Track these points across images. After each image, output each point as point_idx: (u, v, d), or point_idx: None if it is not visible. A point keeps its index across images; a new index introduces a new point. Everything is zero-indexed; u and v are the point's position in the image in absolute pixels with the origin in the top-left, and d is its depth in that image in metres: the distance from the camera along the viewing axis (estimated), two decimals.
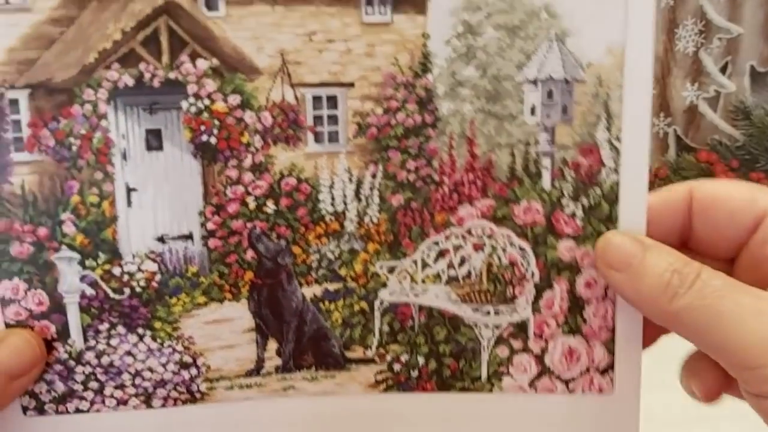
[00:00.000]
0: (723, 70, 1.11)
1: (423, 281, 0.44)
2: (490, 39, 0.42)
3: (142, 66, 0.40)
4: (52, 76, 0.40)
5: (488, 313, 0.44)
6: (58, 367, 0.43)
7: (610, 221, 0.43)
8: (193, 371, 0.43)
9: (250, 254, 0.43)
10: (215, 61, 0.40)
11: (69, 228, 0.41)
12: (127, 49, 0.40)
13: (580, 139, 0.43)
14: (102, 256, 0.42)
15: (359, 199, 0.43)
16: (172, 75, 0.40)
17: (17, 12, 0.39)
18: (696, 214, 0.43)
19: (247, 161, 0.42)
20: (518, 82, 0.42)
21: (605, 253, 0.42)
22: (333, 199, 0.43)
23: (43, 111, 0.40)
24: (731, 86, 1.11)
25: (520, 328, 0.45)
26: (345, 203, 0.43)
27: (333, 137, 0.42)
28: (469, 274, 0.44)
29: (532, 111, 0.43)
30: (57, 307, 0.42)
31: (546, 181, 0.44)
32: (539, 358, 0.45)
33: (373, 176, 0.43)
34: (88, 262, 0.42)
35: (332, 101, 0.42)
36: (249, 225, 0.43)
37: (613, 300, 0.44)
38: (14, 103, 0.40)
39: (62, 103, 0.40)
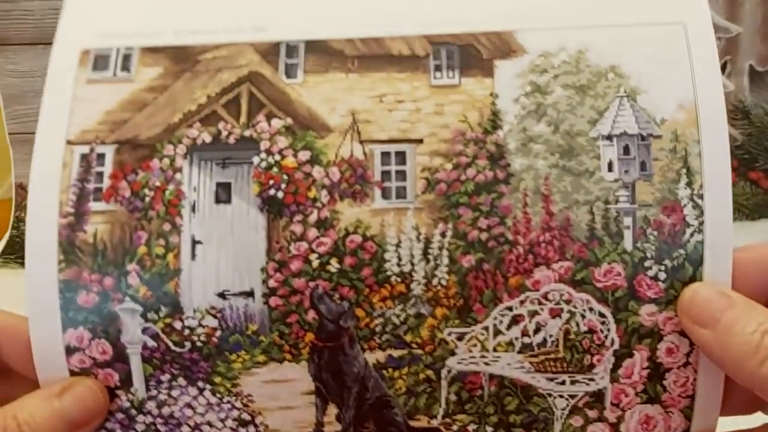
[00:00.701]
0: (722, 69, 1.09)
1: (495, 349, 0.40)
2: (560, 97, 0.42)
3: (220, 125, 0.42)
4: (139, 133, 0.42)
5: (564, 382, 0.40)
6: (120, 416, 0.41)
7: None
8: (251, 429, 0.41)
9: (311, 315, 0.41)
10: (289, 121, 0.42)
11: (133, 279, 0.41)
12: (210, 110, 0.42)
13: (662, 197, 0.41)
14: (163, 310, 0.41)
15: (427, 260, 0.41)
16: (247, 132, 0.42)
17: (121, 82, 0.43)
18: None
19: (313, 216, 0.42)
20: (592, 137, 0.41)
21: (691, 307, 0.39)
22: (399, 258, 0.41)
23: (125, 164, 0.42)
24: (730, 86, 1.06)
25: (597, 398, 0.40)
26: (412, 263, 0.41)
27: (401, 193, 0.42)
28: (544, 342, 0.40)
29: (610, 167, 0.41)
30: (120, 357, 0.41)
31: (628, 242, 0.41)
32: (614, 426, 0.40)
33: (443, 235, 0.41)
34: (150, 315, 0.41)
35: (400, 157, 0.42)
36: (311, 284, 0.41)
37: (695, 367, 0.40)
38: (101, 156, 0.42)
39: (143, 157, 0.42)
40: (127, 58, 0.43)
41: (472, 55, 0.42)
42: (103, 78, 0.43)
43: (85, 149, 0.42)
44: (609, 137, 0.41)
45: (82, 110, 0.42)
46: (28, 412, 0.39)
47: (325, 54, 0.42)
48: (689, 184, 0.40)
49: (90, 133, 0.42)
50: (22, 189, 1.20)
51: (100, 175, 0.42)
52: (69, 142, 0.42)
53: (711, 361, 0.39)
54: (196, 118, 0.42)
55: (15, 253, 1.13)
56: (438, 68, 0.42)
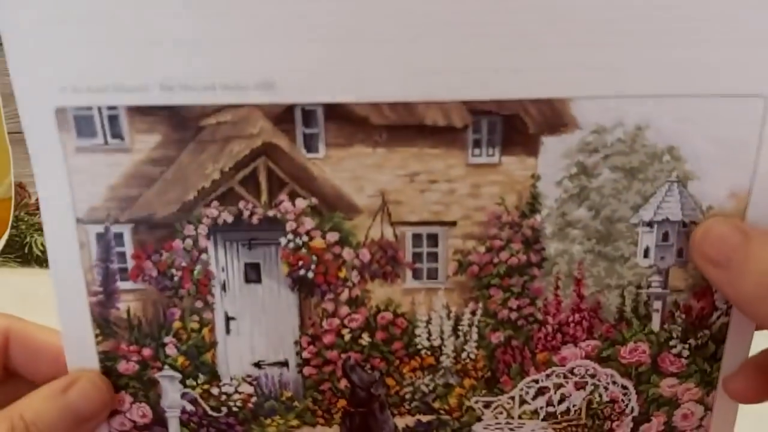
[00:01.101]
0: None
1: (520, 417, 0.43)
2: (606, 180, 0.39)
3: (241, 204, 0.40)
4: (154, 212, 0.40)
5: None
6: None
7: (714, 359, 0.42)
8: None
9: (343, 383, 0.43)
10: (314, 200, 0.39)
11: (171, 350, 0.42)
12: (226, 188, 0.39)
13: (694, 282, 0.40)
14: (201, 377, 0.43)
15: (457, 335, 0.42)
16: (270, 213, 0.40)
17: (117, 152, 0.39)
18: None
19: (344, 295, 0.41)
20: (632, 223, 0.40)
21: (703, 245, 0.38)
22: (430, 334, 0.42)
23: (145, 244, 0.40)
24: None
25: None
26: (442, 338, 0.42)
27: (432, 274, 0.41)
28: (567, 411, 0.43)
29: (646, 253, 0.40)
30: (159, 420, 0.43)
31: (655, 324, 0.41)
32: None
33: (473, 313, 0.41)
34: (188, 382, 0.43)
35: (432, 239, 0.40)
36: (344, 356, 0.42)
37: (707, 429, 0.43)
38: (119, 236, 0.40)
39: (164, 237, 0.40)
40: (114, 121, 0.38)
41: (516, 129, 0.38)
42: (94, 146, 0.38)
43: (100, 228, 0.40)
44: (650, 224, 0.40)
45: (82, 184, 0.39)
46: (35, 411, 0.40)
47: (347, 122, 0.38)
48: None
49: (100, 210, 0.39)
50: (21, 188, 1.10)
51: (122, 255, 0.40)
52: (80, 221, 0.39)
53: (724, 297, 0.40)
54: (213, 196, 0.39)
55: (15, 252, 1.09)
56: (477, 143, 0.39)
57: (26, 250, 1.10)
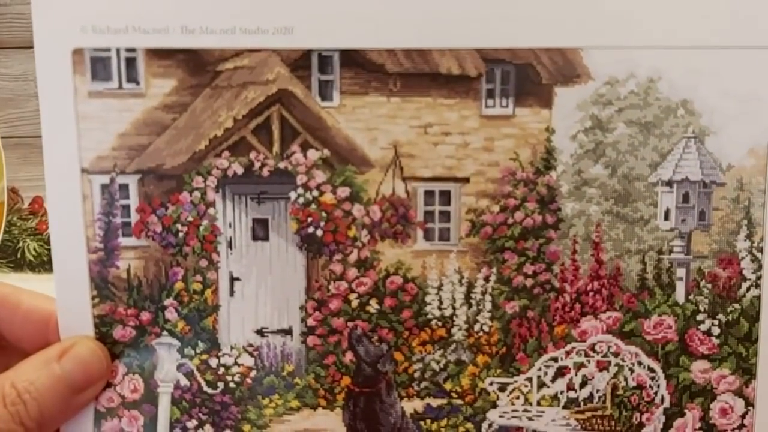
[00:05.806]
0: None
1: (538, 403, 0.40)
2: (622, 135, 0.39)
3: (252, 155, 0.39)
4: (163, 162, 0.39)
5: None
6: None
7: (749, 341, 0.39)
8: None
9: (348, 357, 0.40)
10: (326, 152, 0.39)
11: (171, 314, 0.40)
12: (238, 137, 0.39)
13: (718, 248, 0.39)
14: (201, 345, 0.40)
15: (469, 304, 0.40)
16: (281, 165, 0.39)
17: (131, 97, 0.39)
18: None
19: (353, 256, 0.40)
20: (651, 183, 0.39)
21: None
22: (441, 302, 0.40)
23: (151, 197, 0.40)
24: None
25: None
26: (453, 307, 0.40)
27: (444, 235, 0.40)
28: (591, 397, 0.40)
29: (666, 215, 0.39)
30: (149, 397, 0.40)
31: (680, 294, 0.39)
32: None
33: (486, 279, 0.39)
34: (186, 351, 0.40)
35: (445, 196, 0.39)
36: (350, 324, 0.40)
37: (750, 429, 0.39)
38: (124, 188, 0.40)
39: (171, 189, 0.39)
40: (131, 64, 0.38)
41: (530, 78, 0.38)
42: (108, 91, 0.38)
43: (105, 179, 0.39)
44: (669, 183, 0.39)
45: (91, 131, 0.39)
46: (27, 379, 0.37)
47: (363, 69, 0.38)
48: (749, 236, 0.38)
49: (107, 160, 0.39)
50: (14, 193, 1.17)
51: (126, 208, 0.40)
52: (84, 171, 0.39)
53: None
54: (225, 146, 0.39)
55: (7, 257, 1.11)
56: (491, 94, 0.39)
57: (19, 255, 1.08)
